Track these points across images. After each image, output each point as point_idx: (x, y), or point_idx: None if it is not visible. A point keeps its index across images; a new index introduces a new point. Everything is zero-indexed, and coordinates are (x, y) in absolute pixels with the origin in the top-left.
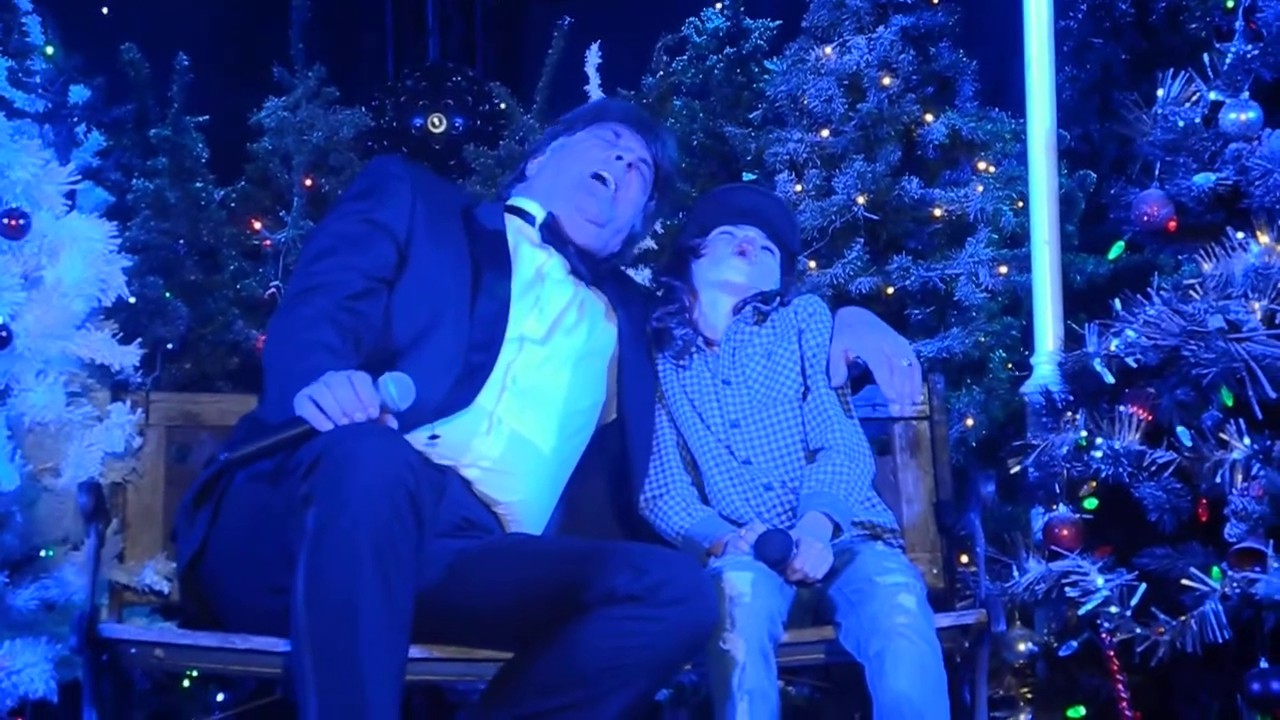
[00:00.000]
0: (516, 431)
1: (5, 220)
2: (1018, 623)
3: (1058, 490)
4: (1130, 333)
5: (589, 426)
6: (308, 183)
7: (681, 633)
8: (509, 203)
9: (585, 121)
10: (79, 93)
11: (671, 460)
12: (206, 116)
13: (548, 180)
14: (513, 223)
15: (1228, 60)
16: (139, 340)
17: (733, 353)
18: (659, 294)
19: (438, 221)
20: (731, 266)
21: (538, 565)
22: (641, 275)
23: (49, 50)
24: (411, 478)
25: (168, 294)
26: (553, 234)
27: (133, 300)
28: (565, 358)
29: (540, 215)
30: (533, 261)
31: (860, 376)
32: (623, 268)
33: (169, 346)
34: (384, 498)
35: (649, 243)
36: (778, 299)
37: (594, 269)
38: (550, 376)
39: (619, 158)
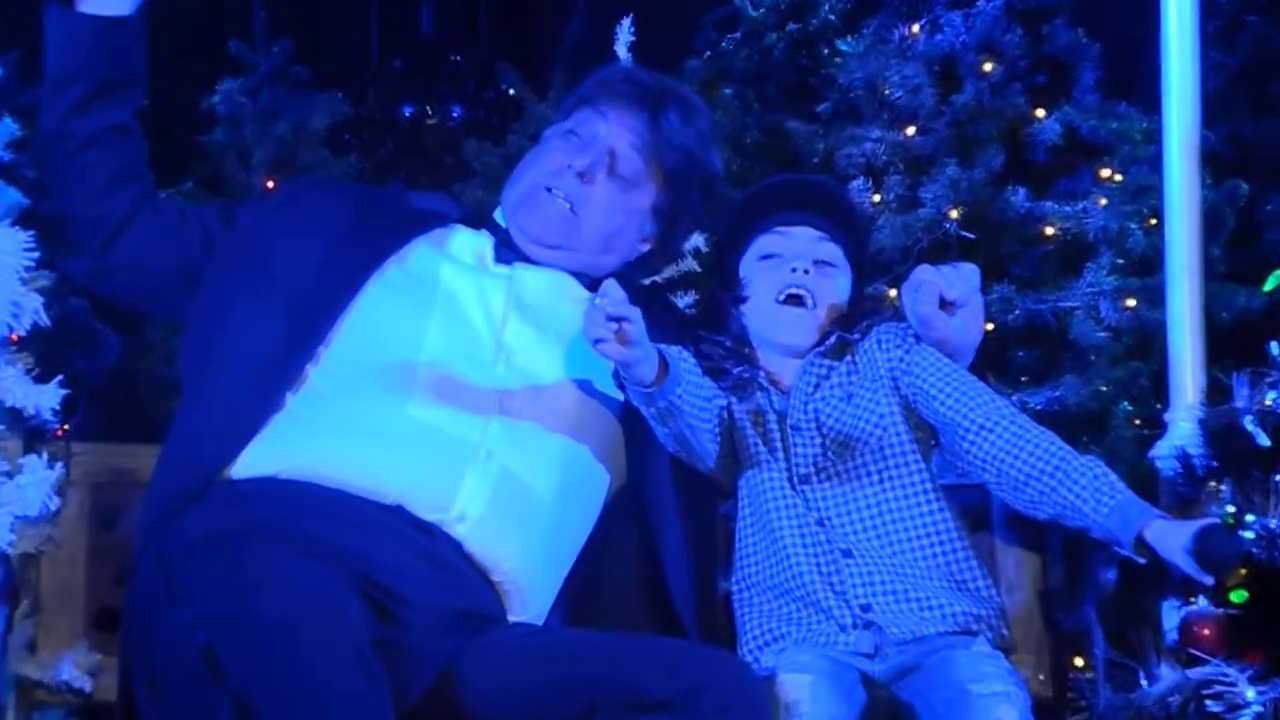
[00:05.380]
0: (509, 470)
1: None
2: None
3: None
4: None
5: (599, 479)
6: (270, 185)
7: None
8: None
9: (572, 104)
10: None
11: None
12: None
13: (508, 185)
14: (473, 234)
15: None
16: (59, 378)
17: (808, 393)
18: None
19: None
20: (783, 324)
21: (548, 665)
22: (683, 301)
23: None
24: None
25: (95, 320)
26: (511, 250)
27: (51, 328)
28: (563, 373)
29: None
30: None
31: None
32: (655, 281)
33: (94, 384)
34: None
35: (690, 263)
36: (865, 322)
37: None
38: (545, 401)
39: (569, 166)
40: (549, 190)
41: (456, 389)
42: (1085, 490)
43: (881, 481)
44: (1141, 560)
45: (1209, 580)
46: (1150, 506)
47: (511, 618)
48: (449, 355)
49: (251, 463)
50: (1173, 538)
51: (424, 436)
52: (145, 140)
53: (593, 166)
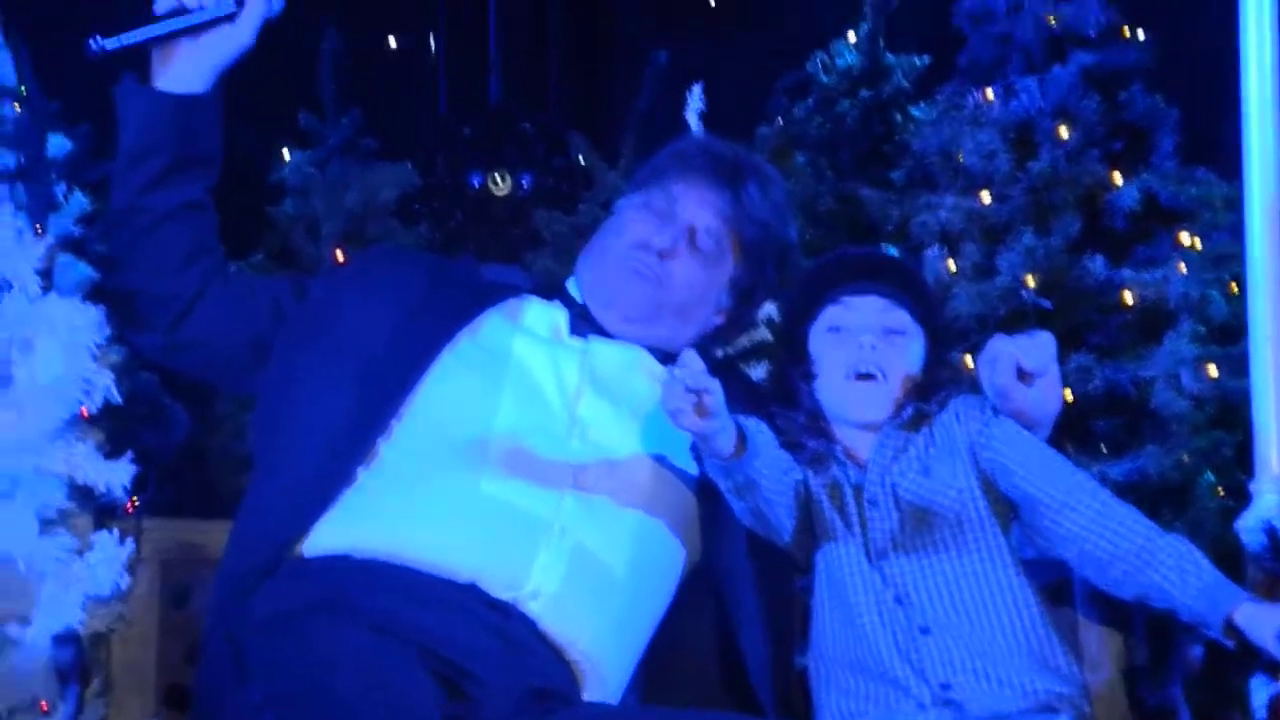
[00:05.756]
0: (583, 546)
1: None
2: None
3: None
4: None
5: (675, 554)
6: (340, 256)
7: None
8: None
9: (647, 176)
10: (59, 144)
11: None
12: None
13: (584, 256)
14: (547, 306)
15: None
16: (130, 454)
17: (885, 466)
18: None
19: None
20: (855, 401)
21: None
22: (756, 372)
23: (23, 92)
24: None
25: (165, 394)
26: (587, 323)
27: (121, 403)
28: (637, 447)
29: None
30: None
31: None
32: (727, 353)
33: (165, 459)
34: None
35: (763, 332)
36: (942, 393)
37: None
38: (619, 475)
39: (650, 243)
40: (630, 266)
41: (530, 464)
42: (1171, 571)
43: (960, 556)
44: (1230, 643)
45: None
46: (1239, 588)
47: (586, 696)
48: (522, 429)
49: (323, 539)
50: (1263, 621)
51: (497, 513)
52: (216, 214)
53: (674, 243)
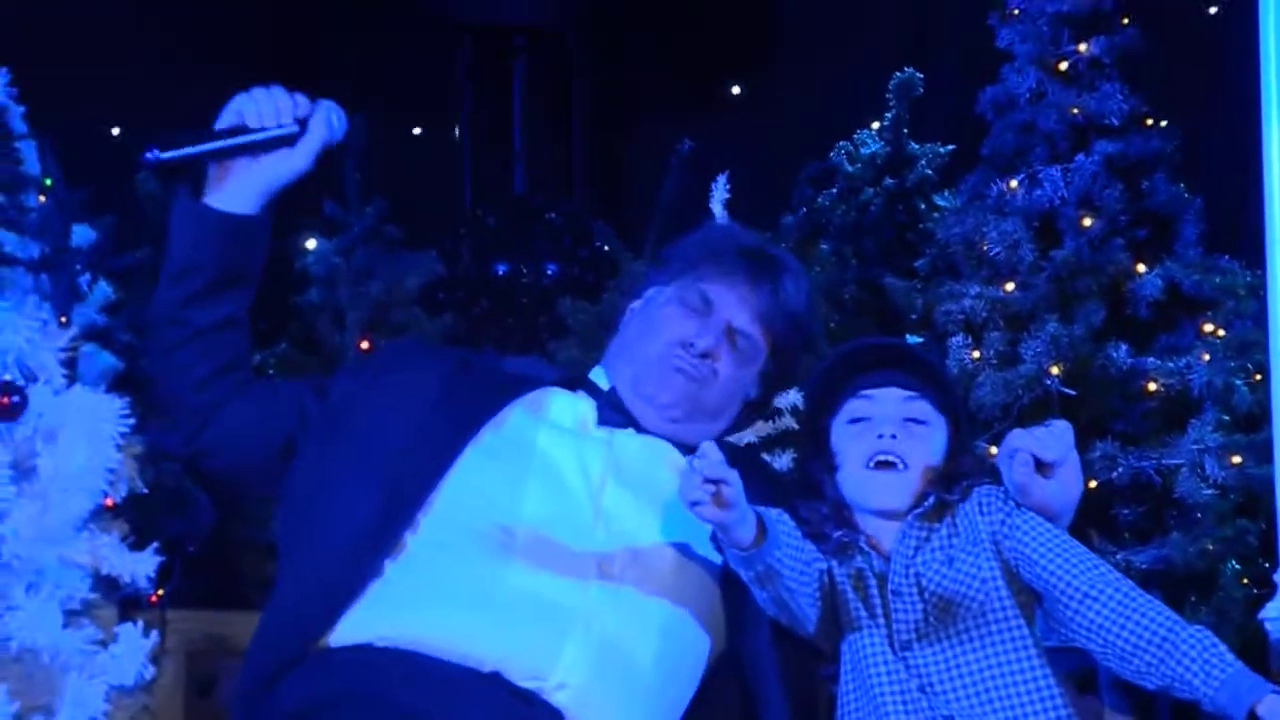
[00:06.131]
0: (609, 636)
1: None
2: None
3: None
4: None
5: (700, 644)
6: (364, 345)
7: None
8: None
9: (676, 270)
10: (83, 234)
11: None
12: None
13: (618, 348)
14: (572, 397)
15: None
16: (154, 544)
17: (908, 556)
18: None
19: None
20: (875, 490)
21: None
22: (780, 461)
23: (48, 182)
24: None
25: (188, 483)
26: (618, 414)
27: (146, 493)
28: (661, 537)
29: (605, 387)
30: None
31: None
32: (750, 443)
33: (189, 549)
34: None
35: (788, 420)
36: (965, 482)
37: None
38: (644, 566)
39: (691, 343)
40: (672, 364)
41: (555, 554)
42: (1194, 663)
43: (984, 646)
44: None
45: None
46: (1263, 680)
47: None
48: (547, 520)
49: (349, 630)
50: None
51: (523, 603)
52: (250, 332)
53: (715, 344)
